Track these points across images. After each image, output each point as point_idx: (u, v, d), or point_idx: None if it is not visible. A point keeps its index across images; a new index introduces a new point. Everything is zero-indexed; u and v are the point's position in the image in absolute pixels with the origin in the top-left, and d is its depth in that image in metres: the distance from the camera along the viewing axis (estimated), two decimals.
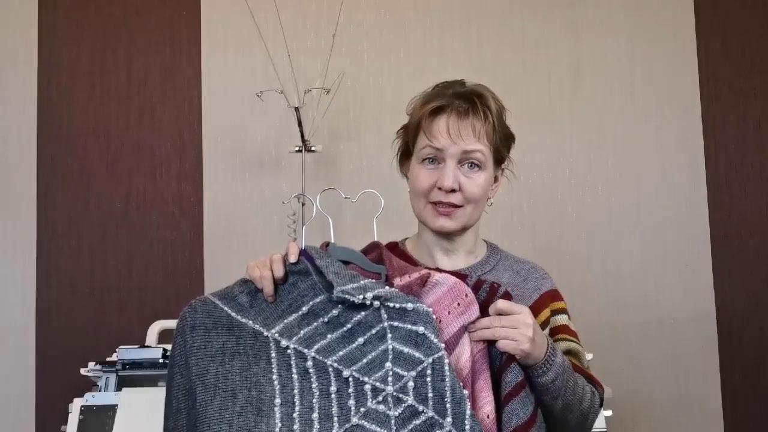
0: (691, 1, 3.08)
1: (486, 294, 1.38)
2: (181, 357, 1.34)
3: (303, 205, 2.68)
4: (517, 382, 1.34)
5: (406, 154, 1.60)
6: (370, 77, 3.04)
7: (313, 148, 2.79)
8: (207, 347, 1.33)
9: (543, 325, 1.52)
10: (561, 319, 1.57)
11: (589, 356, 1.63)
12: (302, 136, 2.77)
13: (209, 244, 2.99)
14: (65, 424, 2.18)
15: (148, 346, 2.36)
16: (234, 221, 2.99)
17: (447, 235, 1.56)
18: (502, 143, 1.56)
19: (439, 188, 1.50)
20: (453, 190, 1.49)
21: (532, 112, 3.01)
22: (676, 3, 3.08)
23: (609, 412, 2.22)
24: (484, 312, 1.37)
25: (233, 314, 1.36)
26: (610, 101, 3.05)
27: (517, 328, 1.34)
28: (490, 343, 1.35)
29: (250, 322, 1.35)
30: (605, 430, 2.20)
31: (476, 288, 1.38)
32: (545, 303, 1.56)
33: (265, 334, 1.34)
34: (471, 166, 1.51)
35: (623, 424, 2.76)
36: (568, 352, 1.51)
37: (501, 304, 1.36)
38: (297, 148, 2.78)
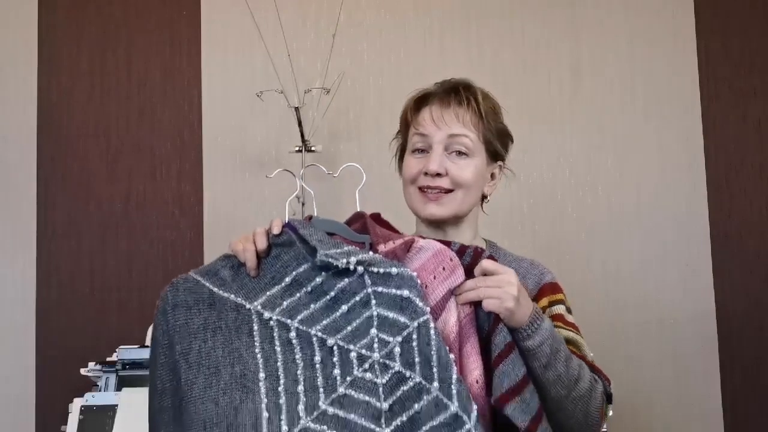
0: (691, 1, 3.08)
1: (470, 258, 1.37)
2: (164, 337, 1.32)
3: (303, 205, 2.68)
4: (506, 343, 1.32)
5: (401, 151, 1.62)
6: (370, 77, 3.04)
7: (313, 148, 2.79)
8: (189, 324, 1.31)
9: None
10: (558, 309, 1.57)
11: (589, 356, 1.62)
12: (302, 136, 2.77)
13: (209, 244, 2.98)
14: (65, 424, 2.18)
15: (148, 346, 2.35)
16: (234, 221, 2.99)
17: (442, 228, 1.56)
18: (494, 136, 1.57)
19: (426, 173, 1.51)
20: (439, 175, 1.51)
21: (532, 112, 3.01)
22: (676, 3, 3.08)
23: (609, 412, 2.21)
24: (469, 276, 1.37)
25: (215, 289, 1.34)
26: (610, 101, 3.05)
27: (501, 287, 1.34)
28: (477, 307, 1.35)
29: (232, 295, 1.33)
30: (605, 430, 2.20)
31: (460, 253, 1.38)
32: (545, 293, 1.57)
33: (247, 306, 1.32)
34: (458, 153, 1.53)
35: (623, 424, 2.77)
36: (567, 341, 1.51)
37: (486, 263, 1.36)
38: (297, 148, 2.78)
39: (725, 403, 2.93)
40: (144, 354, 2.27)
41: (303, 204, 2.68)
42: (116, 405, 2.15)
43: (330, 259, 1.29)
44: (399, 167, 1.63)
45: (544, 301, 1.55)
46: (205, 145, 3.03)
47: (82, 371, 2.31)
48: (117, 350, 2.30)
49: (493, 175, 1.60)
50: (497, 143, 1.58)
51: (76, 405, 2.18)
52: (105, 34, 3.06)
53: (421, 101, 1.56)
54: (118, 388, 2.25)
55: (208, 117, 3.04)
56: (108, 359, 2.31)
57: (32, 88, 3.03)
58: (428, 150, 1.53)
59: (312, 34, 3.04)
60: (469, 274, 1.37)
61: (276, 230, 1.37)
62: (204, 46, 3.06)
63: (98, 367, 2.29)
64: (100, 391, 2.26)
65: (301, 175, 1.53)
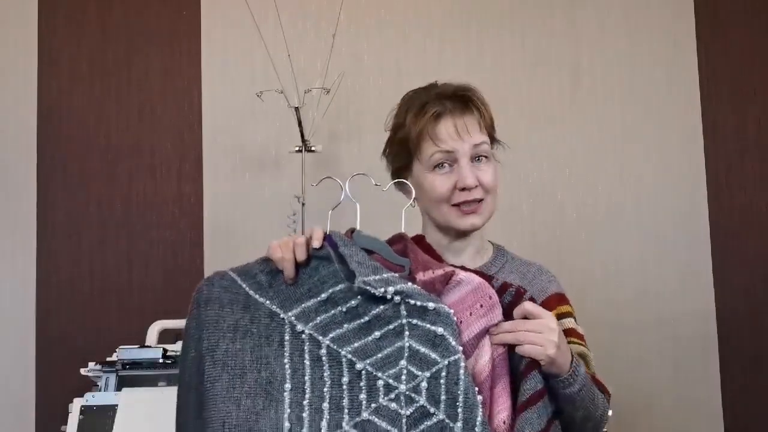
0: (691, 2, 3.08)
1: (511, 298, 1.34)
2: (195, 331, 1.32)
3: (303, 205, 2.68)
4: (537, 390, 1.30)
5: (403, 169, 1.58)
6: (370, 77, 3.04)
7: (313, 148, 2.78)
8: (219, 322, 1.31)
9: None
10: (568, 323, 1.56)
11: None
12: (302, 136, 2.76)
13: (209, 244, 2.98)
14: (65, 424, 2.18)
15: (148, 346, 2.36)
16: (234, 221, 2.99)
17: (460, 234, 1.56)
18: (493, 130, 1.58)
19: (462, 189, 1.50)
20: (475, 186, 1.51)
21: (532, 112, 3.01)
22: (676, 3, 3.08)
23: (609, 412, 2.21)
24: (507, 317, 1.34)
25: (251, 292, 1.34)
26: (610, 101, 3.05)
27: (542, 333, 1.31)
28: (511, 348, 1.32)
29: (268, 302, 1.33)
30: (605, 430, 2.20)
31: (501, 291, 1.35)
32: (551, 306, 1.54)
33: (282, 316, 1.32)
34: (479, 158, 1.52)
35: (623, 424, 2.76)
36: (578, 356, 1.51)
37: (529, 306, 1.33)
38: (297, 148, 2.78)
39: (725, 403, 2.93)
40: (143, 354, 2.27)
41: (303, 204, 2.68)
42: (116, 405, 2.15)
43: (368, 287, 1.29)
44: (400, 185, 1.57)
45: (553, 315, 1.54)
46: (205, 145, 3.03)
47: (82, 371, 2.31)
48: (117, 350, 2.30)
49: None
50: (494, 134, 1.59)
51: (76, 405, 2.18)
52: (105, 34, 3.06)
53: (435, 117, 1.51)
54: (118, 388, 2.24)
55: (208, 117, 3.04)
56: (108, 359, 2.31)
57: (32, 88, 3.02)
58: (452, 164, 1.51)
59: (312, 34, 3.04)
60: (507, 313, 1.34)
61: (317, 244, 1.35)
62: (204, 46, 3.06)
63: (98, 367, 2.28)
64: (100, 391, 2.26)
65: (345, 185, 1.48)
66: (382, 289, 1.28)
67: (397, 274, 1.33)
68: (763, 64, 3.06)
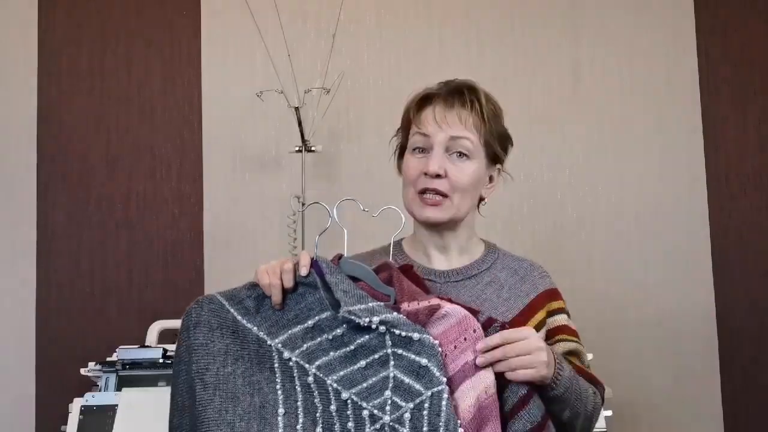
0: (691, 1, 3.08)
1: (495, 333, 1.34)
2: (185, 353, 1.33)
3: (303, 205, 2.69)
4: (537, 421, 1.31)
5: (400, 149, 1.61)
6: (370, 77, 3.04)
7: (313, 148, 2.79)
8: (209, 345, 1.32)
9: (538, 327, 1.51)
10: (560, 319, 1.56)
11: (589, 356, 1.63)
12: (302, 136, 2.77)
13: (209, 244, 2.99)
14: (65, 424, 2.18)
15: (148, 346, 2.36)
16: (234, 221, 2.99)
17: (438, 231, 1.55)
18: (494, 139, 1.56)
19: (426, 174, 1.50)
20: (438, 176, 1.49)
21: (532, 112, 3.01)
22: (676, 3, 3.08)
23: (609, 412, 2.21)
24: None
25: (239, 318, 1.35)
26: (610, 101, 3.05)
27: (530, 354, 1.32)
28: (500, 382, 1.31)
29: (255, 328, 1.34)
30: (605, 430, 2.20)
31: (486, 326, 1.35)
32: (541, 303, 1.55)
33: (269, 342, 1.33)
34: (459, 155, 1.51)
35: (623, 424, 2.76)
36: (569, 353, 1.51)
37: (507, 333, 1.33)
38: (297, 148, 2.79)
39: (725, 403, 2.93)
40: (144, 354, 2.28)
41: (303, 204, 2.68)
42: (116, 405, 2.15)
43: (353, 317, 1.30)
44: (398, 165, 1.62)
45: (542, 314, 1.54)
46: (205, 145, 3.03)
47: (82, 371, 2.31)
48: (117, 350, 2.30)
49: (491, 178, 1.59)
50: (497, 146, 1.57)
51: (76, 405, 2.18)
52: (105, 35, 3.06)
53: (424, 101, 1.55)
54: (118, 388, 2.25)
55: (208, 117, 3.04)
56: (108, 359, 2.31)
57: (32, 88, 3.03)
58: (429, 150, 1.51)
59: (312, 34, 3.05)
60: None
61: (304, 272, 1.36)
62: (204, 46, 3.07)
63: (98, 367, 2.29)
64: (100, 391, 2.26)
65: (333, 209, 1.48)
66: (367, 319, 1.30)
67: (382, 304, 1.34)
68: (763, 64, 3.06)
